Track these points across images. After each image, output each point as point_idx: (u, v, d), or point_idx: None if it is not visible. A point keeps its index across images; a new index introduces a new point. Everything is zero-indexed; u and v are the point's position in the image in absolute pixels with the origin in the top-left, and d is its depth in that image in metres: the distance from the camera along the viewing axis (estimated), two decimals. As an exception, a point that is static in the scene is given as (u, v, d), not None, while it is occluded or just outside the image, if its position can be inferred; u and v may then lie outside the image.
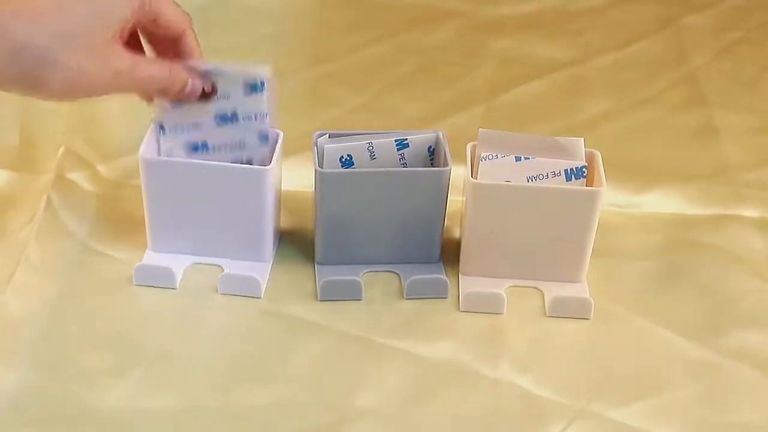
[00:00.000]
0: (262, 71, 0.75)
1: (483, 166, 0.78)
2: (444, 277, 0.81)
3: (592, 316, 0.79)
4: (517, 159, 0.78)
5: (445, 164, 0.79)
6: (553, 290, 0.80)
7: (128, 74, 0.67)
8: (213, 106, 0.76)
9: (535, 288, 0.81)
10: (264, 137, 0.78)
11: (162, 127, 0.77)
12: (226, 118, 0.76)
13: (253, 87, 0.75)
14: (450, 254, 0.83)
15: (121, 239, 0.83)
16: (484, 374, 0.74)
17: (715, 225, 0.90)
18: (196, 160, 0.78)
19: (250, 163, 0.78)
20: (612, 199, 0.90)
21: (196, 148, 0.78)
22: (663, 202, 0.92)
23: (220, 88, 0.75)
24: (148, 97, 0.75)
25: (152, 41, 0.73)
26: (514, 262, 0.81)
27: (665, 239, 0.88)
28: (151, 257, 0.81)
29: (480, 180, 0.78)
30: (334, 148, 0.80)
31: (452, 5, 1.21)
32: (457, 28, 1.17)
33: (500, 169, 0.78)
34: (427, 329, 0.78)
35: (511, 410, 0.72)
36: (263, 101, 0.76)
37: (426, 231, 0.81)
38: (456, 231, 0.85)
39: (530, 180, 0.78)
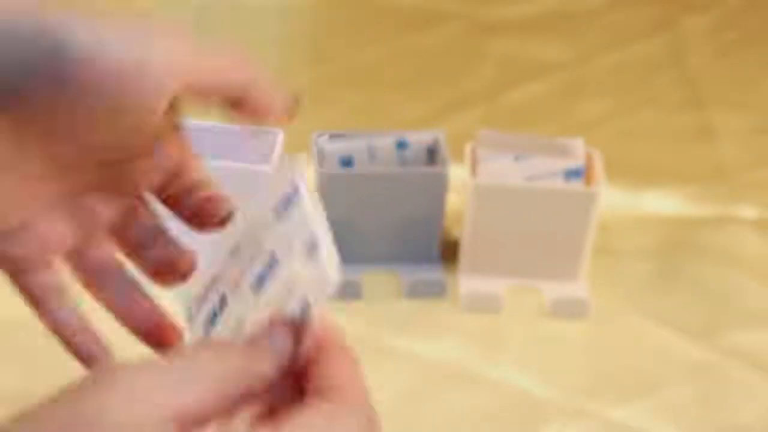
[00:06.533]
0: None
1: (483, 166, 0.79)
2: (443, 276, 0.81)
3: (590, 315, 0.79)
4: (517, 159, 0.79)
5: (445, 165, 0.79)
6: (552, 289, 0.81)
7: None
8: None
9: (534, 287, 0.82)
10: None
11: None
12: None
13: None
14: (450, 254, 0.83)
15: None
16: (483, 373, 0.74)
17: (713, 225, 0.90)
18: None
19: None
20: (611, 199, 0.90)
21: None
22: (661, 202, 0.92)
23: None
24: None
25: None
26: (513, 262, 0.81)
27: (663, 239, 0.88)
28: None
29: (480, 180, 0.78)
30: (333, 149, 0.80)
31: (452, 7, 1.21)
32: (457, 29, 1.17)
33: (500, 169, 0.79)
34: (427, 328, 0.78)
35: (510, 409, 0.72)
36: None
37: (425, 231, 0.81)
38: (455, 231, 0.85)
39: (529, 180, 0.79)
